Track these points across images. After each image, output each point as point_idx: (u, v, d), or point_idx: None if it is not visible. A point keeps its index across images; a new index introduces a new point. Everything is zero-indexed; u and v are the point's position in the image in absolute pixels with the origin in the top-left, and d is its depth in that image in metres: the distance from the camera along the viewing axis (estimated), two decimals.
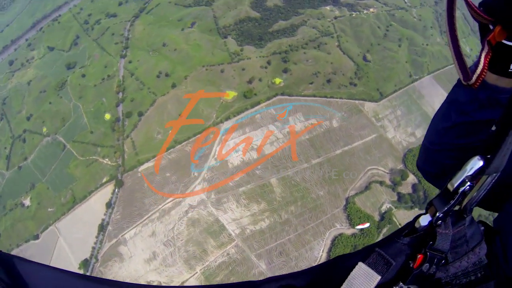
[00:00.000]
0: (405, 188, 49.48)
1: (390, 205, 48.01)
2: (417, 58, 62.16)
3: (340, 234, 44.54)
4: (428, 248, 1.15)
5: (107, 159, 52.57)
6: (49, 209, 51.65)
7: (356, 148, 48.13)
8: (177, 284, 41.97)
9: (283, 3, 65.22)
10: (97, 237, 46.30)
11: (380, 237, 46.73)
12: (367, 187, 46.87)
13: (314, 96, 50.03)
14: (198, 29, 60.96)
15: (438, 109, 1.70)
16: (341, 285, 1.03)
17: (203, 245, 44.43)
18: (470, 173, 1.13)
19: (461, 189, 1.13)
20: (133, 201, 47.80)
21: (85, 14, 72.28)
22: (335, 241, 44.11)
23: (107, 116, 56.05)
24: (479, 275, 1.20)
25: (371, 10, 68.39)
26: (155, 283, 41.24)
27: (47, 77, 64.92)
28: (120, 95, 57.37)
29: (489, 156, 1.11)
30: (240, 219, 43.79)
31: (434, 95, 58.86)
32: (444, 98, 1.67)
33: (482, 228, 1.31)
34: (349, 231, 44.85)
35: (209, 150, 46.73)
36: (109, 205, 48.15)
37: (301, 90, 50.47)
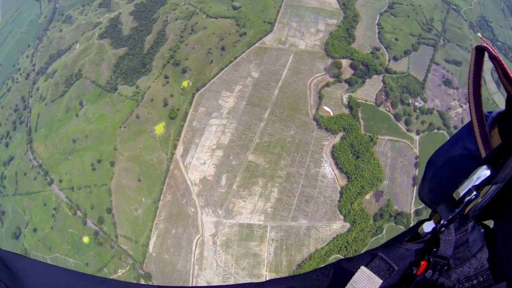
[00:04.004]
0: (347, 73, 52.27)
1: (347, 94, 50.67)
2: None
3: (333, 147, 46.54)
4: (431, 255, 1.14)
5: (120, 270, 49.92)
6: None
7: (287, 77, 49.50)
8: None
9: (136, 22, 63.17)
10: None
11: (362, 123, 49.56)
12: (320, 97, 48.83)
13: (222, 69, 50.09)
14: (89, 103, 57.64)
15: (440, 163, 1.54)
16: None
17: (250, 252, 44.49)
18: (477, 183, 1.11)
19: (467, 198, 1.11)
20: (169, 278, 46.19)
21: None
22: (334, 154, 46.10)
23: (86, 239, 52.55)
24: (481, 279, 1.19)
25: None
26: None
27: None
28: (79, 213, 53.67)
29: (496, 166, 1.10)
30: (255, 208, 44.11)
31: None
32: None
33: (482, 230, 1.31)
34: (336, 139, 46.98)
35: (185, 184, 45.80)
36: None
37: (208, 74, 50.26)
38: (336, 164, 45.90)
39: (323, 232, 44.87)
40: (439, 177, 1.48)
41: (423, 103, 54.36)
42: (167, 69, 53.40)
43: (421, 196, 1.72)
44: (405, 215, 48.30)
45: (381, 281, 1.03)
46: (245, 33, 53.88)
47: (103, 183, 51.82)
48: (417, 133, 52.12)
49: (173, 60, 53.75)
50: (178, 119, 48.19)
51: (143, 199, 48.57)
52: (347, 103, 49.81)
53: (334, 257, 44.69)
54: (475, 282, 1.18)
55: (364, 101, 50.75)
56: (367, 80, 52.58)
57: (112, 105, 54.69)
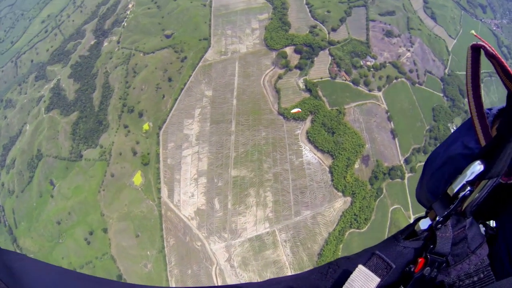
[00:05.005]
0: (294, 59, 53.29)
1: (301, 78, 51.62)
2: None
3: (307, 132, 47.26)
4: (429, 252, 1.12)
5: None
6: None
7: (240, 84, 49.85)
8: None
9: (78, 83, 61.59)
10: None
11: (325, 100, 50.64)
12: (277, 91, 49.46)
13: (176, 99, 49.78)
14: (59, 180, 55.51)
15: (438, 163, 1.49)
16: (341, 287, 1.01)
17: (269, 261, 44.36)
18: (471, 178, 1.11)
19: (461, 194, 1.11)
20: None
21: None
22: (310, 139, 46.81)
23: None
24: (481, 275, 1.17)
25: (130, 5, 67.85)
26: None
27: None
28: None
29: (489, 161, 1.09)
30: (257, 218, 44.05)
31: None
32: None
33: (484, 228, 1.29)
34: (307, 124, 47.76)
35: (182, 222, 45.04)
36: None
37: (165, 109, 49.81)
38: (316, 147, 46.65)
39: (329, 215, 45.44)
40: (439, 177, 1.48)
41: (373, 60, 56.34)
42: (124, 119, 52.37)
43: (419, 197, 1.69)
44: (397, 168, 49.83)
45: (379, 280, 1.03)
46: (186, 57, 53.77)
47: (104, 252, 50.03)
48: (379, 89, 53.95)
49: (126, 107, 52.83)
50: (152, 163, 47.39)
51: (148, 253, 47.33)
52: (304, 87, 50.76)
53: (349, 233, 45.38)
54: (475, 278, 1.17)
55: (319, 79, 51.95)
56: (315, 58, 53.84)
57: (83, 173, 52.94)
